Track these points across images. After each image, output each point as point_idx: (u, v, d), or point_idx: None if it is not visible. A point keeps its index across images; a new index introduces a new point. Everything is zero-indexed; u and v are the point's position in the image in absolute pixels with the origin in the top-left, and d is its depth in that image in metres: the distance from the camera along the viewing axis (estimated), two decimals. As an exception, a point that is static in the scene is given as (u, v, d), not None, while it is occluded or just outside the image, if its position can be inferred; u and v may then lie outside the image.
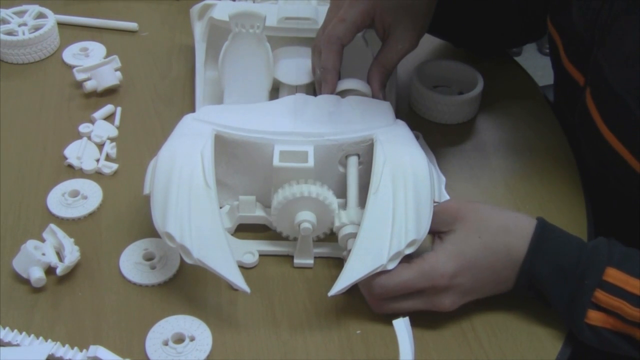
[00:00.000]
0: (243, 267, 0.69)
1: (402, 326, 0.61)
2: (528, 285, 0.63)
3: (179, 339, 0.63)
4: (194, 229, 0.62)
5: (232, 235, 0.71)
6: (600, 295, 0.60)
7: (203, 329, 0.63)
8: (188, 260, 0.62)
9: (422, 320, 0.64)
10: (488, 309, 0.65)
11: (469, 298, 0.64)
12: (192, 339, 0.63)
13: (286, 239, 0.69)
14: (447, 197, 0.76)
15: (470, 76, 0.88)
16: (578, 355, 0.65)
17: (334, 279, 0.62)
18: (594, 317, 0.61)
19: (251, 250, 0.70)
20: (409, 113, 0.88)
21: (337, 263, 0.70)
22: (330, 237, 0.69)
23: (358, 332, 0.64)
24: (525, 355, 0.63)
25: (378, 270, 0.61)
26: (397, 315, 0.59)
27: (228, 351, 0.63)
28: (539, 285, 0.63)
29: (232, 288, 0.66)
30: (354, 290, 0.65)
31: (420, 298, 0.63)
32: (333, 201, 0.66)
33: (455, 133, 0.85)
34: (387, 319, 0.64)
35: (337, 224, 0.66)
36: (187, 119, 0.71)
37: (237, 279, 0.61)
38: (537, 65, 2.31)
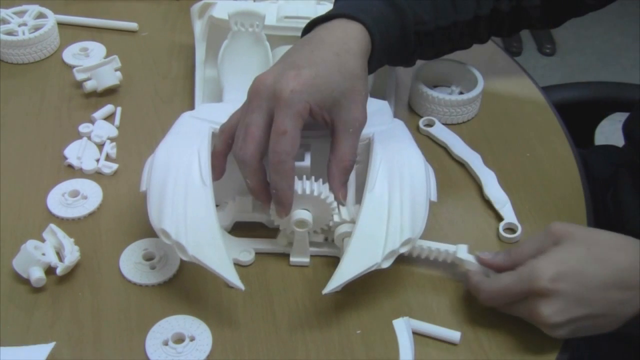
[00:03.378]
0: (240, 265, 0.69)
1: (402, 326, 0.61)
2: None
3: (179, 339, 0.63)
4: (190, 226, 0.62)
5: (228, 233, 0.71)
6: None
7: (203, 329, 0.63)
8: (183, 257, 0.62)
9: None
10: (488, 310, 0.65)
11: (577, 313, 0.59)
12: (192, 339, 0.63)
13: (284, 232, 0.69)
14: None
15: (470, 76, 0.88)
16: (578, 355, 0.65)
17: (334, 278, 0.62)
18: None
19: (247, 248, 0.70)
20: (409, 113, 0.88)
21: (337, 262, 0.70)
22: (329, 236, 0.69)
23: (358, 332, 0.64)
24: (525, 355, 0.63)
25: (372, 269, 0.61)
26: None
27: (228, 351, 0.63)
28: None
29: (228, 286, 0.66)
30: (354, 289, 0.65)
31: (522, 304, 0.61)
32: (331, 197, 0.66)
33: (456, 133, 0.85)
34: (387, 319, 0.65)
35: (332, 223, 0.66)
36: (185, 116, 0.71)
37: (232, 276, 0.61)
38: (537, 65, 2.32)
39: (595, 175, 0.92)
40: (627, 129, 0.84)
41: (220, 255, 0.62)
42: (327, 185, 0.65)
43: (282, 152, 0.60)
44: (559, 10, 0.81)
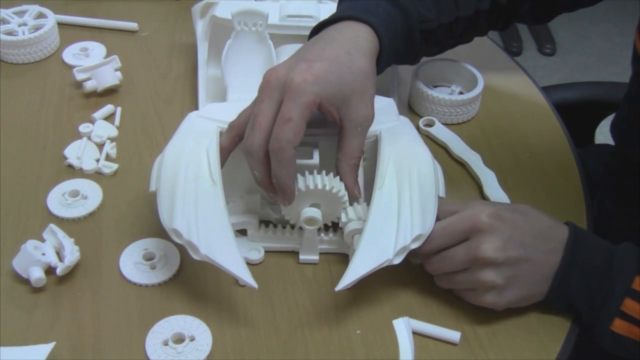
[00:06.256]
0: (249, 264, 0.69)
1: (402, 326, 0.61)
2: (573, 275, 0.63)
3: (179, 339, 0.63)
4: (201, 225, 0.63)
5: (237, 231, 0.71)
6: (630, 303, 0.60)
7: (203, 329, 0.63)
8: (195, 257, 0.62)
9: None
10: (488, 309, 0.65)
11: (514, 252, 0.62)
12: (192, 339, 0.63)
13: (292, 226, 0.70)
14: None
15: (470, 76, 0.88)
16: (578, 355, 0.65)
17: (334, 277, 0.62)
18: (620, 326, 0.61)
19: (257, 246, 0.70)
20: (409, 113, 0.88)
21: (338, 260, 0.70)
22: (336, 233, 0.70)
23: (358, 332, 0.64)
24: (525, 355, 0.63)
25: (384, 265, 0.62)
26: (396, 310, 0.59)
27: (228, 351, 0.63)
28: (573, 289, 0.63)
29: (238, 284, 0.67)
30: (354, 289, 0.65)
31: (462, 246, 0.63)
32: (342, 189, 0.65)
33: (456, 133, 0.85)
34: (387, 319, 0.65)
35: (343, 220, 0.66)
36: (192, 116, 0.71)
37: (245, 275, 0.62)
38: (537, 65, 2.32)
39: (590, 175, 0.92)
40: (614, 129, 0.84)
41: (232, 253, 0.62)
42: (336, 178, 0.65)
43: (283, 139, 0.60)
44: (547, 5, 0.82)
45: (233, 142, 0.66)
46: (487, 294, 0.63)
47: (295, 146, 0.61)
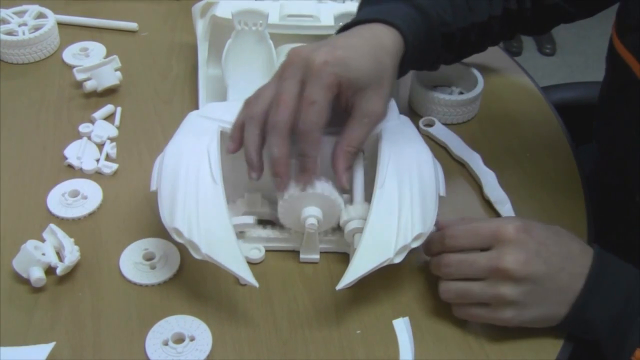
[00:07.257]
0: (249, 263, 0.69)
1: (402, 326, 0.61)
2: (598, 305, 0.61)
3: (179, 339, 0.63)
4: (202, 224, 0.63)
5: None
6: None
7: (203, 329, 0.64)
8: (196, 256, 0.62)
9: (422, 321, 0.64)
10: (488, 309, 0.65)
11: (536, 269, 0.60)
12: (192, 339, 0.63)
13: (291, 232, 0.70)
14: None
15: (470, 76, 0.88)
16: (578, 355, 0.65)
17: (334, 277, 0.62)
18: None
19: (257, 246, 0.70)
20: (409, 113, 0.88)
21: (338, 259, 0.70)
22: (337, 232, 0.70)
23: (358, 332, 0.64)
24: (525, 355, 0.63)
25: (385, 264, 0.62)
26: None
27: (228, 351, 0.63)
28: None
29: (238, 284, 0.67)
30: (354, 289, 0.65)
31: (487, 254, 0.62)
32: (338, 196, 0.66)
33: (455, 133, 0.85)
34: (387, 319, 0.65)
35: (343, 219, 0.66)
36: (193, 115, 0.71)
37: (246, 274, 0.62)
38: (537, 65, 2.32)
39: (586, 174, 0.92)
40: (596, 134, 0.84)
41: (233, 253, 0.62)
42: (333, 185, 0.66)
43: (309, 122, 0.62)
44: (545, 17, 0.83)
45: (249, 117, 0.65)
46: (502, 310, 0.61)
47: (321, 127, 0.62)
